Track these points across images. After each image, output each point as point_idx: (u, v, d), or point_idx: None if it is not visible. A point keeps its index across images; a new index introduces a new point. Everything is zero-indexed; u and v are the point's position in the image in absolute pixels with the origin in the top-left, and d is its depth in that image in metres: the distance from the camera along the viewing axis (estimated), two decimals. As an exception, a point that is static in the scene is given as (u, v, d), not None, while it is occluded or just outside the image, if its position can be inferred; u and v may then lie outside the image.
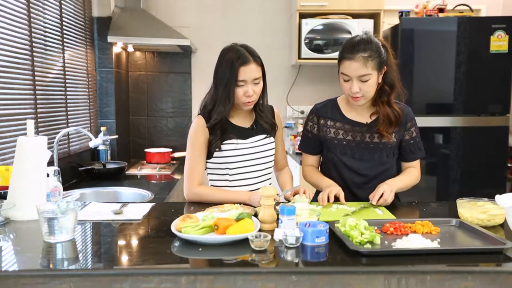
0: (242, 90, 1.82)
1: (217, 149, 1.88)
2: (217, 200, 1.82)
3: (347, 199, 1.82)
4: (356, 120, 1.92)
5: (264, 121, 1.96)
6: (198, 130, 1.89)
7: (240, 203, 1.73)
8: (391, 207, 1.77)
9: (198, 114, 1.93)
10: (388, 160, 1.93)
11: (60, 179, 1.88)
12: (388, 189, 1.76)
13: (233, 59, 1.81)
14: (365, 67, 1.75)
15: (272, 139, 1.99)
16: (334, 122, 1.94)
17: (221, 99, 1.84)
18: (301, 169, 2.08)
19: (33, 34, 2.38)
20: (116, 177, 2.98)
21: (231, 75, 1.80)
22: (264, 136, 1.96)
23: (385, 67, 1.82)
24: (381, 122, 1.87)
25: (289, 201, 1.78)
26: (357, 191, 1.93)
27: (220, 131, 1.87)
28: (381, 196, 1.75)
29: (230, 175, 1.91)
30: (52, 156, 2.34)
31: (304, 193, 1.78)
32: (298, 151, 3.67)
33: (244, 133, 1.92)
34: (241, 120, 1.95)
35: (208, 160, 1.93)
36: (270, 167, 2.01)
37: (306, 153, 2.05)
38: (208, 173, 1.98)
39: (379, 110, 1.87)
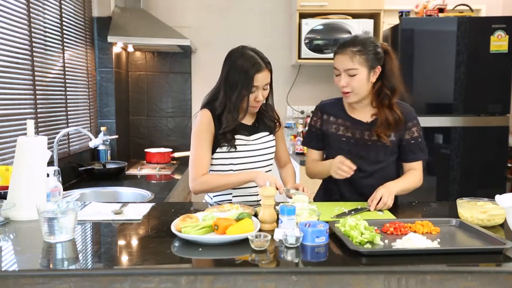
0: (253, 95, 1.84)
1: (231, 147, 1.88)
2: (224, 185, 1.84)
3: (347, 196, 1.89)
4: (357, 119, 1.94)
5: (267, 119, 1.99)
6: (204, 123, 1.88)
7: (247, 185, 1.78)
8: (391, 207, 1.77)
9: (203, 108, 1.92)
10: (385, 159, 1.94)
11: (60, 179, 1.88)
12: (386, 192, 1.75)
13: (247, 66, 1.81)
14: (351, 61, 1.80)
15: (273, 136, 2.01)
16: (336, 118, 1.98)
17: (233, 106, 1.84)
18: (306, 166, 2.10)
19: (33, 34, 2.38)
20: (116, 177, 2.97)
21: (246, 82, 1.81)
22: (266, 133, 1.99)
23: (379, 67, 1.84)
24: (379, 124, 1.89)
25: (290, 197, 1.78)
26: (356, 185, 1.94)
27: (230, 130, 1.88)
28: (379, 201, 1.74)
29: (234, 170, 1.92)
30: (52, 156, 2.34)
31: (303, 190, 1.79)
32: (298, 151, 3.67)
33: (248, 130, 1.94)
34: (244, 118, 1.95)
35: (212, 156, 1.93)
36: (271, 165, 2.03)
37: (310, 147, 2.09)
38: (210, 170, 1.97)
39: (379, 113, 1.90)
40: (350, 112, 1.96)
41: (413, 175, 1.94)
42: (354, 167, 1.79)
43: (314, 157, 2.08)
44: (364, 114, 1.94)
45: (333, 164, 1.83)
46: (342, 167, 1.79)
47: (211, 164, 1.94)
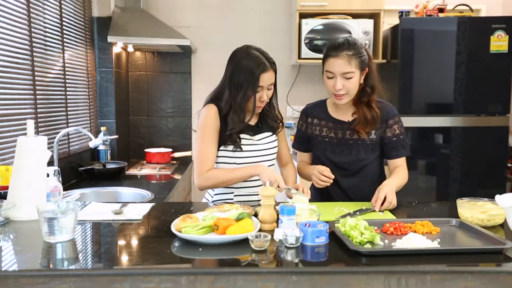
0: (258, 95, 1.84)
1: (237, 148, 1.88)
2: (229, 180, 1.85)
3: (333, 196, 1.96)
4: (339, 119, 2.00)
5: (270, 119, 1.99)
6: (211, 118, 1.87)
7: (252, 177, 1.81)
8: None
9: (209, 103, 1.91)
10: (367, 157, 1.97)
11: (60, 179, 1.88)
12: (389, 191, 1.75)
13: (253, 66, 1.80)
14: (349, 65, 1.83)
15: (275, 137, 2.02)
16: (319, 120, 2.03)
17: (239, 107, 1.83)
18: (297, 167, 2.15)
19: (33, 34, 2.38)
20: (116, 177, 2.97)
21: (251, 83, 1.80)
22: (270, 133, 1.99)
23: (366, 68, 1.89)
24: (358, 122, 1.93)
25: (290, 197, 1.78)
26: (341, 184, 1.97)
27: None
28: (384, 200, 1.73)
29: None
30: (52, 156, 2.34)
31: (303, 191, 1.79)
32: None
33: (252, 130, 1.94)
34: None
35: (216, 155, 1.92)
36: (273, 165, 2.03)
37: (298, 150, 2.15)
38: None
39: (357, 111, 1.94)
40: (332, 113, 2.01)
41: (401, 173, 1.96)
42: (333, 176, 1.84)
43: (303, 159, 2.13)
44: (346, 113, 1.98)
45: (313, 174, 1.89)
46: (321, 177, 1.85)
47: (215, 162, 1.94)
